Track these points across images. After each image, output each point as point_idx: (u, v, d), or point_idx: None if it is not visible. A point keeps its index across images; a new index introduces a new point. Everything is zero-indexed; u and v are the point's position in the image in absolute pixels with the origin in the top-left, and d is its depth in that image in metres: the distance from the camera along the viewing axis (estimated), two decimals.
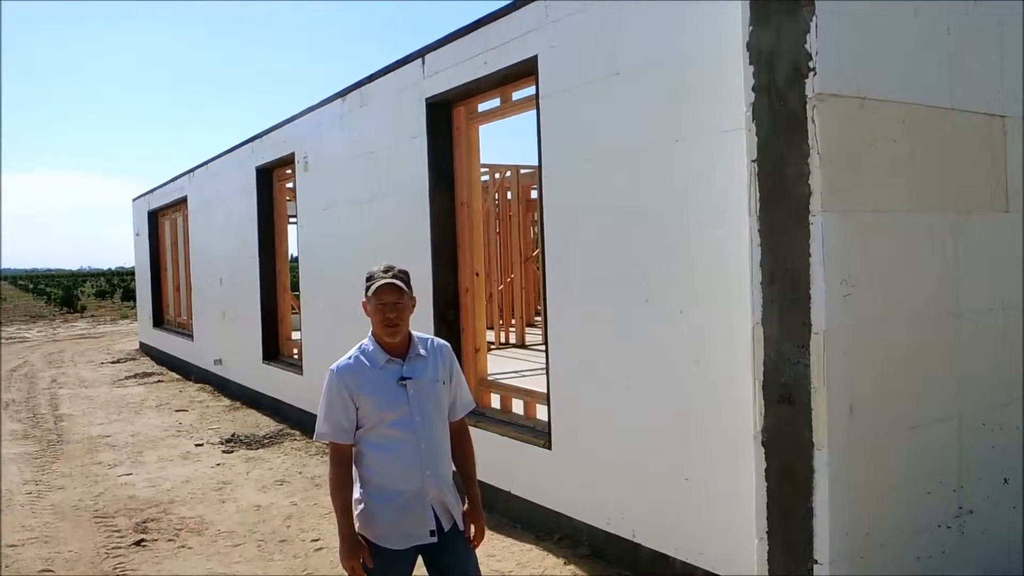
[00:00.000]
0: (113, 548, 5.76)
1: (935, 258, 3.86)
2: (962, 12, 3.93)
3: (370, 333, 3.22)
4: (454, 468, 3.31)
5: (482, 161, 7.74)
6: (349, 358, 3.18)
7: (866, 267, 3.55)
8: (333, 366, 3.17)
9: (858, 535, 3.55)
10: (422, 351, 3.22)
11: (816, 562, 3.48)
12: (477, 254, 6.84)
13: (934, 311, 3.86)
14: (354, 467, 3.19)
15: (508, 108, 6.36)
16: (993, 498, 4.11)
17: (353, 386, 3.10)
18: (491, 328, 12.77)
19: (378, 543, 3.12)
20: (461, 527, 3.24)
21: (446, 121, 6.80)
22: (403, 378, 3.13)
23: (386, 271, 3.15)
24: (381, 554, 3.11)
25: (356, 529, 3.13)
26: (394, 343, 3.16)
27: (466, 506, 3.30)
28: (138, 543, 5.83)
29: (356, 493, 3.18)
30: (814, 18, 3.37)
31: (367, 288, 3.14)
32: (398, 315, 3.13)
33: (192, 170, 14.01)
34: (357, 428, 3.13)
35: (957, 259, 3.93)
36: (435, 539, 3.14)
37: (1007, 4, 4.14)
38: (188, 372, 14.34)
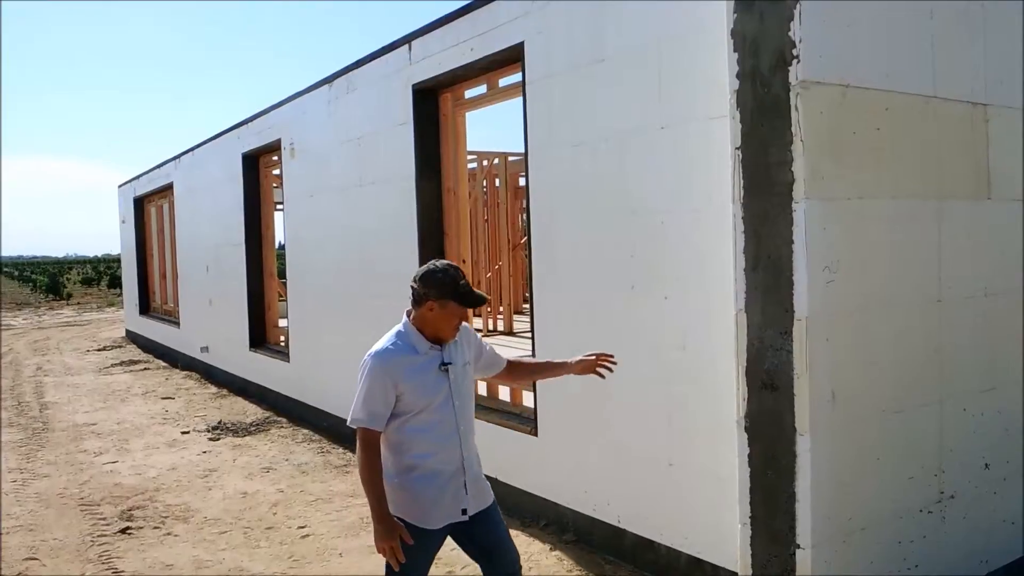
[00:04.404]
0: (98, 536, 5.75)
1: (918, 245, 3.88)
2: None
3: (407, 321, 3.26)
4: (545, 372, 3.86)
5: (471, 148, 7.72)
6: (390, 344, 3.21)
7: (849, 254, 3.57)
8: (374, 352, 3.19)
9: (840, 520, 3.59)
10: (456, 338, 3.32)
11: (799, 546, 3.51)
12: (464, 241, 6.83)
13: (916, 297, 3.89)
14: (391, 452, 3.23)
15: (495, 95, 6.34)
16: (974, 483, 4.15)
17: (397, 372, 3.15)
18: (479, 315, 12.77)
19: (415, 524, 3.19)
20: (488, 501, 3.37)
21: (433, 108, 6.77)
22: (444, 364, 3.23)
23: (465, 279, 3.24)
24: (417, 534, 3.18)
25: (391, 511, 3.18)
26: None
27: (575, 360, 3.61)
28: (123, 531, 5.82)
29: (394, 478, 3.22)
30: (798, 5, 3.37)
31: (453, 293, 3.16)
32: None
33: (178, 156, 13.92)
34: (397, 415, 3.17)
35: (939, 246, 3.95)
36: (466, 517, 3.27)
37: None
38: (174, 360, 14.29)
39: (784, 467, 3.54)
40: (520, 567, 3.45)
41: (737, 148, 3.65)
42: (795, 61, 3.39)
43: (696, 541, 4.39)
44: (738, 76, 3.64)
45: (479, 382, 6.59)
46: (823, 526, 3.52)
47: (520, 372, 3.73)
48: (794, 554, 3.53)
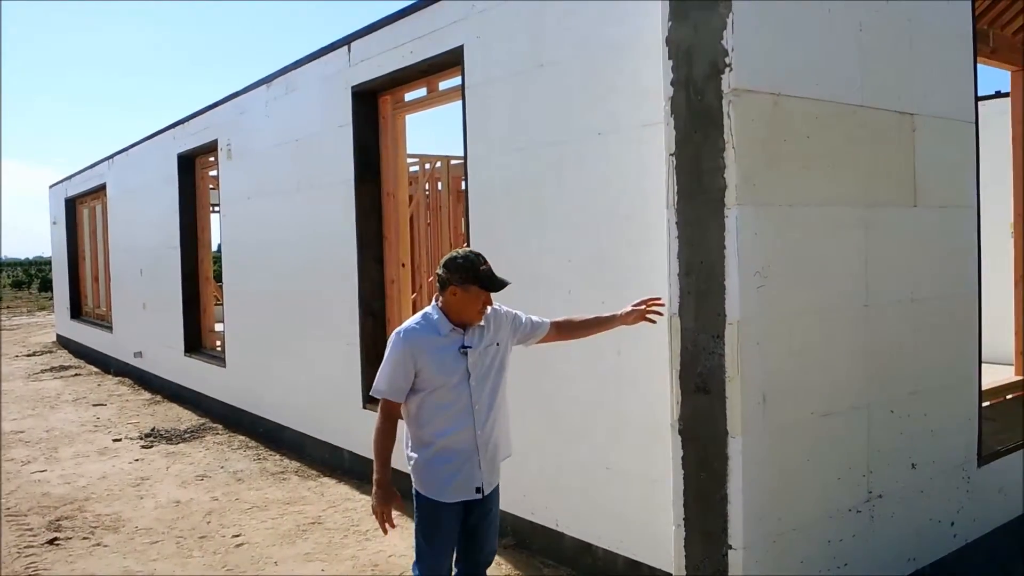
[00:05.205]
0: (25, 547, 5.56)
1: (846, 251, 3.97)
2: (874, 11, 4.04)
3: (436, 305, 3.42)
4: (595, 326, 3.83)
5: (413, 151, 7.66)
6: (415, 323, 3.40)
7: (779, 259, 3.63)
8: (400, 329, 3.39)
9: (771, 520, 3.65)
10: (482, 322, 3.44)
11: (731, 547, 3.56)
12: (403, 245, 6.79)
13: (845, 302, 3.97)
14: (411, 426, 3.43)
15: (434, 98, 6.32)
16: (902, 483, 4.26)
17: (419, 350, 3.32)
18: None
19: (430, 496, 3.39)
20: (494, 484, 3.52)
21: (372, 110, 6.72)
22: (463, 347, 3.38)
23: (487, 265, 3.37)
24: (432, 507, 3.39)
25: (413, 485, 3.42)
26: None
27: (624, 312, 3.74)
28: (51, 542, 5.65)
29: (413, 452, 3.44)
30: (731, 15, 3.42)
31: (474, 278, 3.31)
32: None
33: (111, 156, 13.57)
34: (417, 391, 3.36)
35: (867, 252, 4.05)
36: (479, 496, 3.42)
37: (917, 4, 4.27)
38: (107, 365, 13.91)
39: (716, 469, 3.59)
40: (489, 564, 3.60)
41: (672, 154, 3.69)
42: (728, 70, 3.45)
43: (633, 544, 4.43)
44: (673, 84, 3.68)
45: None
46: (754, 527, 3.57)
47: (569, 329, 3.82)
48: (726, 555, 3.57)
